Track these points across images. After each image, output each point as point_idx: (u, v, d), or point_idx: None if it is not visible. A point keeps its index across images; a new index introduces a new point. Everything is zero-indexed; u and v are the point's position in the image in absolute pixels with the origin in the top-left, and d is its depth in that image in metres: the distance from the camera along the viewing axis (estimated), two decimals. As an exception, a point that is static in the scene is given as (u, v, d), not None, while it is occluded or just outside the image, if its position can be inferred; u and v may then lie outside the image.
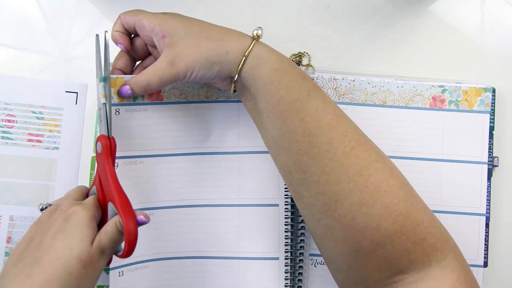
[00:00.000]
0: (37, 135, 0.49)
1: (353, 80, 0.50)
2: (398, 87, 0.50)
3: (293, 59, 0.52)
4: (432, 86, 0.50)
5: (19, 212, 0.48)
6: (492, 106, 0.50)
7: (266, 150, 0.45)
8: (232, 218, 0.49)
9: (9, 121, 0.49)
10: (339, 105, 0.50)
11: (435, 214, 0.49)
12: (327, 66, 0.52)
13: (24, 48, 0.52)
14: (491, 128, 0.50)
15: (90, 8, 0.53)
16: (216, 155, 0.49)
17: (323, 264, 0.49)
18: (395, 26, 0.52)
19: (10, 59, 0.51)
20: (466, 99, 0.50)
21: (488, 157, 0.50)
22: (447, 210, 0.50)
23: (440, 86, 0.50)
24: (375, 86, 0.50)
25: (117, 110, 0.46)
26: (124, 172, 0.47)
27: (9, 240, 0.48)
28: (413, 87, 0.50)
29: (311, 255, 0.49)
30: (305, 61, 0.52)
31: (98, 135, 0.42)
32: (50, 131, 0.50)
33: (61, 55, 0.52)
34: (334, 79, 0.50)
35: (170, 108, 0.48)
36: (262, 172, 0.49)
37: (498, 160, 0.51)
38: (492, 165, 0.50)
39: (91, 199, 0.40)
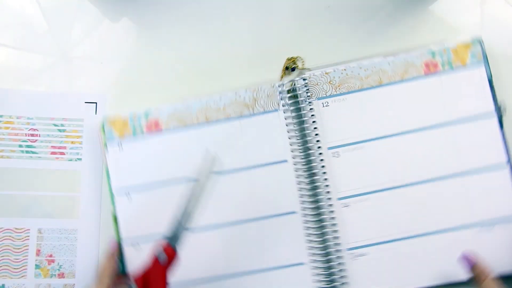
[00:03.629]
0: (60, 147, 0.50)
1: (345, 69, 0.50)
2: (389, 63, 0.50)
3: (288, 65, 0.52)
4: (422, 54, 0.50)
5: (47, 224, 0.49)
6: (484, 56, 0.50)
7: (275, 160, 0.47)
8: (251, 233, 0.49)
9: (32, 135, 0.50)
10: (338, 97, 0.50)
11: (456, 179, 0.49)
12: (317, 63, 0.52)
13: (24, 48, 0.52)
14: (490, 77, 0.50)
15: (90, 8, 0.53)
16: (224, 175, 0.49)
17: (363, 256, 0.49)
18: (395, 26, 0.53)
19: (10, 59, 0.51)
20: (457, 57, 0.50)
21: (495, 106, 0.50)
22: (467, 171, 0.49)
23: (429, 52, 0.50)
24: (367, 69, 0.50)
25: (120, 143, 0.49)
26: (139, 204, 0.49)
27: (38, 252, 0.48)
28: (404, 60, 0.50)
29: (349, 249, 0.49)
30: (299, 64, 0.52)
31: (163, 244, 0.41)
32: (72, 142, 0.50)
33: (61, 55, 0.52)
34: (326, 73, 0.50)
35: (170, 136, 0.50)
36: (276, 181, 0.49)
37: (504, 104, 0.50)
38: (500, 113, 0.50)
39: None
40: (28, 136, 0.50)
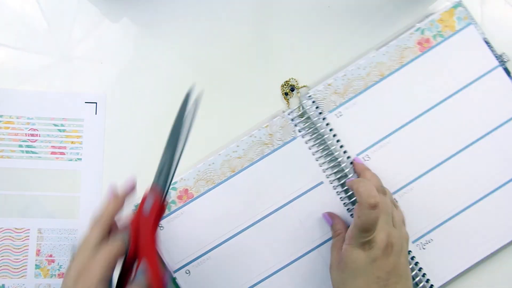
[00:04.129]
0: (60, 147, 0.50)
1: (345, 75, 0.50)
2: (384, 54, 0.51)
3: (286, 90, 0.51)
4: (411, 34, 0.51)
5: (47, 224, 0.49)
6: (469, 16, 0.51)
7: (311, 186, 0.48)
8: (317, 261, 0.49)
9: (32, 135, 0.49)
10: (348, 103, 0.50)
11: (488, 137, 0.50)
12: (317, 77, 0.52)
13: (24, 48, 0.52)
14: (482, 33, 0.51)
15: (90, 8, 0.53)
16: (269, 217, 0.49)
17: (429, 242, 0.49)
18: (395, 26, 0.53)
19: (10, 59, 0.51)
20: (445, 26, 0.51)
21: (495, 57, 0.51)
22: (494, 127, 0.50)
23: (417, 30, 0.51)
24: (366, 67, 0.51)
25: (160, 226, 0.48)
26: (202, 276, 0.48)
27: (38, 253, 0.48)
28: (396, 46, 0.51)
29: (414, 241, 0.49)
30: (294, 83, 0.52)
31: (150, 192, 0.40)
32: (72, 142, 0.50)
33: (61, 55, 0.52)
34: (328, 85, 0.50)
35: (205, 199, 0.49)
36: (320, 205, 0.49)
37: (506, 55, 0.51)
38: (503, 63, 0.51)
39: (116, 248, 0.38)
40: (28, 136, 0.49)
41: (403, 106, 0.50)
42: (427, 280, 0.48)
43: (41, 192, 0.49)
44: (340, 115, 0.50)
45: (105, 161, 0.50)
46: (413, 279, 0.48)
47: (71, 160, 0.50)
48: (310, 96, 0.50)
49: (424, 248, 0.49)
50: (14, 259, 0.48)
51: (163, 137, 0.50)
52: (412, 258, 0.49)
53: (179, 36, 0.53)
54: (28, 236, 0.48)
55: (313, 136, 0.50)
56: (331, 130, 0.50)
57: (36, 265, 0.48)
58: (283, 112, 0.50)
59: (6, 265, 0.48)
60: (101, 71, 0.52)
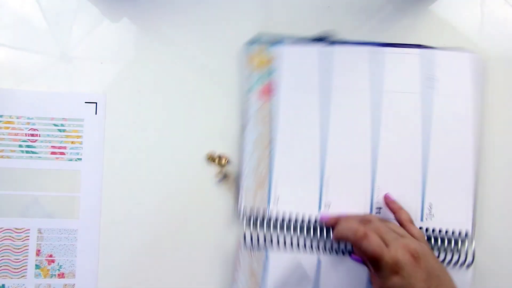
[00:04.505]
0: (60, 147, 0.50)
1: (247, 169, 0.50)
2: (251, 128, 0.50)
3: (217, 160, 0.51)
4: (249, 95, 0.51)
5: (47, 224, 0.49)
6: (266, 40, 0.51)
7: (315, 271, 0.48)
8: None
9: (32, 135, 0.49)
10: (272, 186, 0.49)
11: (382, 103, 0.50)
12: None
13: (24, 48, 0.52)
14: (288, 39, 0.51)
15: (90, 8, 0.53)
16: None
17: (431, 207, 0.48)
18: (395, 26, 0.53)
19: (10, 59, 0.51)
20: (262, 63, 0.51)
21: (321, 41, 0.51)
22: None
23: (250, 88, 0.51)
24: (253, 151, 0.50)
25: None
26: None
27: (38, 253, 0.48)
28: (252, 112, 0.50)
29: (422, 219, 0.48)
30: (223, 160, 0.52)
31: None
32: (72, 142, 0.50)
33: (61, 55, 0.52)
34: (246, 186, 0.50)
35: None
36: (335, 275, 0.49)
37: (325, 32, 0.51)
38: (326, 40, 0.51)
39: None
40: (28, 136, 0.49)
41: (307, 145, 0.50)
42: (459, 233, 0.48)
43: (41, 192, 0.49)
44: (277, 201, 0.50)
45: (105, 161, 0.50)
46: (449, 242, 0.48)
47: (71, 160, 0.50)
48: (247, 213, 0.50)
49: (433, 215, 0.48)
50: (14, 259, 0.48)
51: (163, 136, 0.51)
52: (433, 230, 0.48)
53: (179, 35, 0.53)
54: (28, 236, 0.48)
55: (279, 241, 0.49)
56: (283, 220, 0.49)
57: (36, 265, 0.48)
58: (240, 246, 0.50)
59: (6, 265, 0.48)
60: (101, 71, 0.52)
